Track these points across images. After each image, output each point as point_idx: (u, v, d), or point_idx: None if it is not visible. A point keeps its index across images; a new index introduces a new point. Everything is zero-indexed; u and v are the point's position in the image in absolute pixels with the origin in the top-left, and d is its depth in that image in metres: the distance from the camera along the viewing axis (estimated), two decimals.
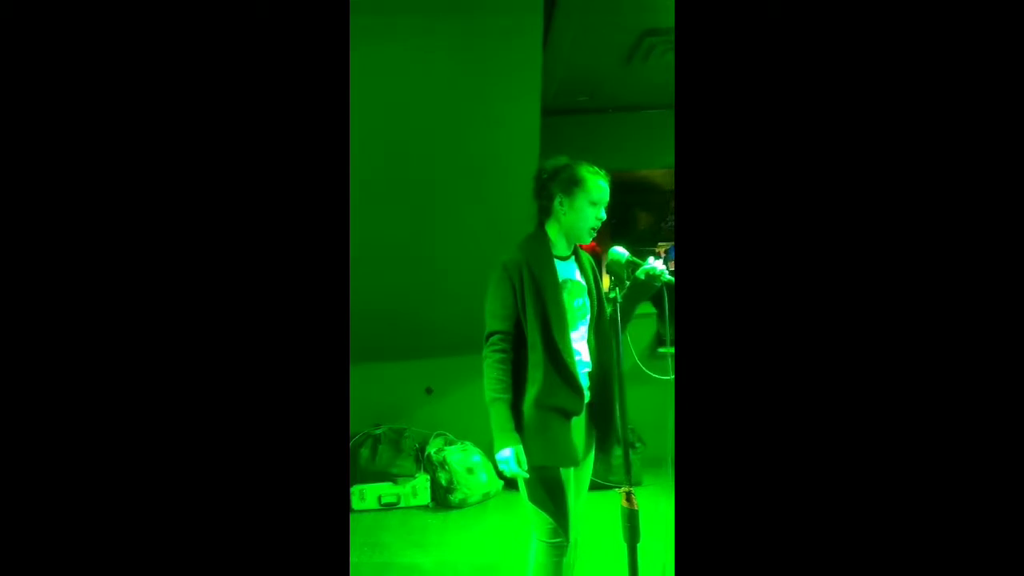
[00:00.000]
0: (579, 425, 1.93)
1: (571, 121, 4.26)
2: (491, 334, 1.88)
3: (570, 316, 1.90)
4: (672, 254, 4.55)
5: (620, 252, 1.88)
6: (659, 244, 4.69)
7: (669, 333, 3.88)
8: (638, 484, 3.69)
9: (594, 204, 1.92)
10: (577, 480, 1.96)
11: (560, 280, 1.91)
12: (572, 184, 1.92)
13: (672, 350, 1.91)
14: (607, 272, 1.92)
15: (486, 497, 3.95)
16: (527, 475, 1.80)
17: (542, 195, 1.98)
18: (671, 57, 3.49)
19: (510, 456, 1.79)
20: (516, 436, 1.81)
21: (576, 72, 3.75)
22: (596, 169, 1.96)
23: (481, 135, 3.33)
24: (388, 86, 2.97)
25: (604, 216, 1.96)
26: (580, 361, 1.91)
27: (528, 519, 1.91)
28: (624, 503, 1.71)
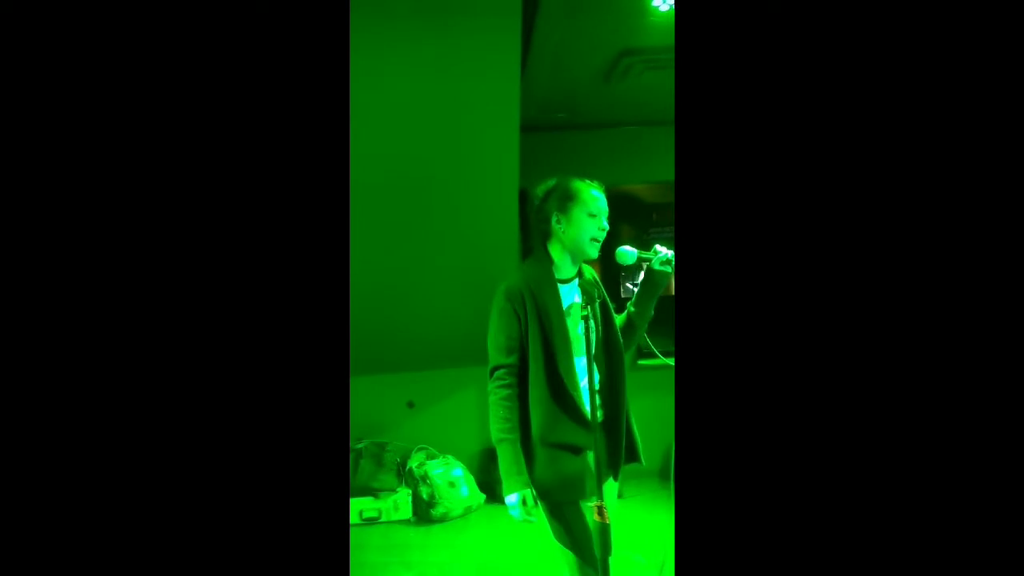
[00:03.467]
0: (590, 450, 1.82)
1: (550, 138, 4.30)
2: (496, 368, 1.81)
3: (575, 344, 1.82)
4: None
5: (629, 252, 1.85)
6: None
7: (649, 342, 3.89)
8: (620, 496, 3.70)
9: (593, 216, 1.85)
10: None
11: (564, 307, 1.84)
12: (566, 199, 1.86)
13: (661, 361, 1.90)
14: (621, 273, 1.90)
15: (468, 511, 3.95)
16: (535, 520, 1.75)
17: (539, 218, 1.90)
18: (649, 76, 3.54)
19: (516, 501, 1.73)
20: (524, 479, 1.73)
21: (555, 90, 3.79)
22: (589, 181, 1.91)
23: (461, 152, 3.36)
24: (373, 104, 3.00)
25: (607, 226, 1.88)
26: (585, 388, 1.82)
27: (553, 555, 1.82)
28: (596, 517, 1.72)
